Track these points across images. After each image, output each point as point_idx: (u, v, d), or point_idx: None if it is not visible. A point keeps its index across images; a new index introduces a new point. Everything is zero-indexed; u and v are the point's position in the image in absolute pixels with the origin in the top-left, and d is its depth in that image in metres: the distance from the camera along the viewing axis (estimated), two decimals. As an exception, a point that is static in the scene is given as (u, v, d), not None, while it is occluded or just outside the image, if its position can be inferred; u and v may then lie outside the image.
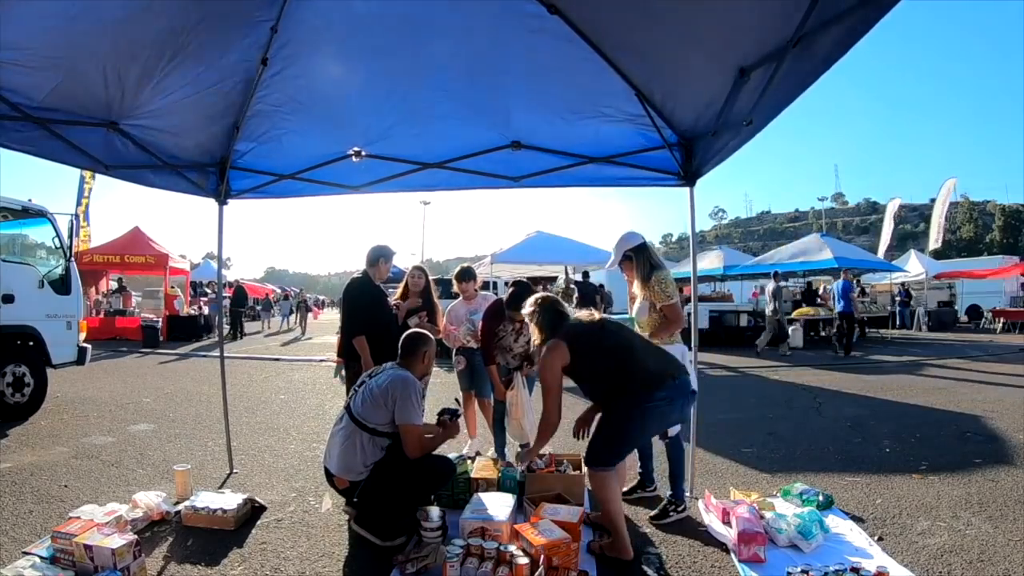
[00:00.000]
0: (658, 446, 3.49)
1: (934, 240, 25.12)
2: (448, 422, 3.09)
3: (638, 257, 3.43)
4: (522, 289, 3.84)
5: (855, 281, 13.77)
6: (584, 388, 2.86)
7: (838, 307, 11.68)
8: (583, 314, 2.93)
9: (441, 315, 4.40)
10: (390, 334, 3.68)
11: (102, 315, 15.33)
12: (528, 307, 2.96)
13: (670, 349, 3.33)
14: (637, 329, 3.37)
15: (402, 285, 4.41)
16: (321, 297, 38.61)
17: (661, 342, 3.24)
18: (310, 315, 23.09)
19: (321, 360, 11.01)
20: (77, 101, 2.81)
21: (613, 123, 3.43)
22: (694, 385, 3.35)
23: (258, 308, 23.05)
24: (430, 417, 3.17)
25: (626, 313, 3.66)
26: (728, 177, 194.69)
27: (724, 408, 6.20)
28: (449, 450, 3.71)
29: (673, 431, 3.34)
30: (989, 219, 60.33)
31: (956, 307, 21.23)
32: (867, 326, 15.89)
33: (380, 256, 4.08)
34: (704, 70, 2.66)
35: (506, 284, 4.14)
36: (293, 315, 22.21)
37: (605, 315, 2.96)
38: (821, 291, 16.65)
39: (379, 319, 3.89)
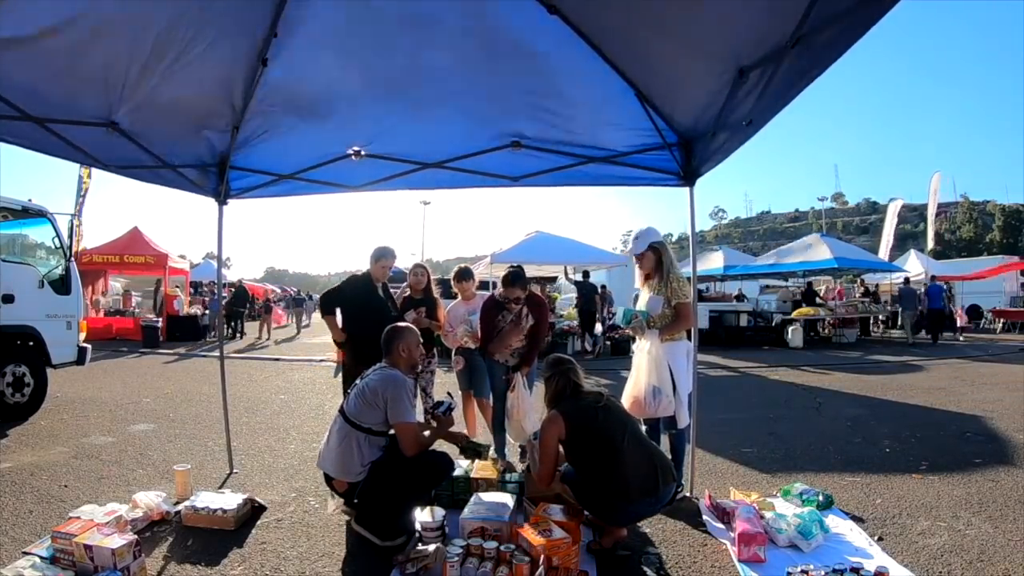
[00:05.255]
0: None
1: (930, 240, 25.12)
2: (442, 416, 3.09)
3: (658, 252, 3.50)
4: (519, 269, 3.93)
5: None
6: (569, 462, 2.88)
7: (932, 304, 14.13)
8: (591, 389, 2.93)
9: (442, 307, 4.43)
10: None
11: (101, 314, 15.31)
12: (548, 367, 2.96)
13: (676, 346, 3.38)
14: (648, 322, 3.40)
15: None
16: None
17: (670, 338, 3.37)
18: (271, 318, 18.05)
19: (321, 360, 11.00)
20: (77, 101, 2.81)
21: (613, 123, 3.43)
22: (691, 389, 3.39)
23: (258, 306, 22.70)
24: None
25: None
26: (728, 177, 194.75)
27: (724, 408, 6.20)
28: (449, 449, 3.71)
29: (682, 424, 3.36)
30: (989, 219, 60.21)
31: (954, 307, 21.23)
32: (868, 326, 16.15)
33: (380, 256, 4.13)
34: (704, 70, 2.66)
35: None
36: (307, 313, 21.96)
37: (611, 397, 2.93)
38: (823, 291, 16.72)
39: (367, 315, 3.89)
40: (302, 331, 19.58)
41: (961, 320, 17.00)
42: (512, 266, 4.11)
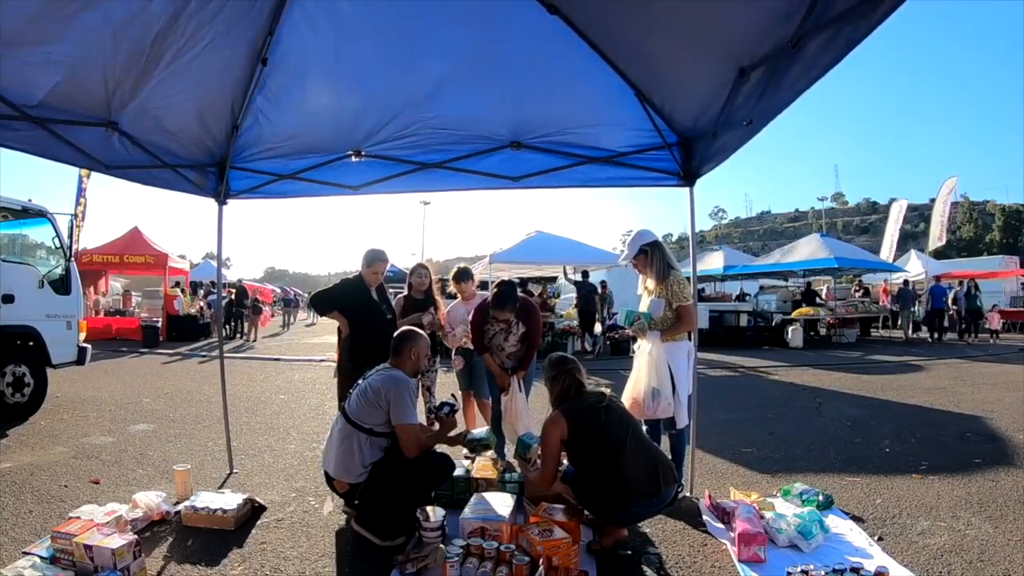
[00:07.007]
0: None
1: (936, 238, 25.06)
2: (444, 418, 3.09)
3: (654, 253, 3.50)
4: (508, 289, 3.82)
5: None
6: (571, 462, 2.88)
7: (935, 304, 14.73)
8: (593, 390, 2.92)
9: (443, 308, 4.42)
10: (385, 336, 3.63)
11: (101, 314, 15.31)
12: (552, 367, 2.94)
13: (677, 347, 3.38)
14: (650, 324, 3.40)
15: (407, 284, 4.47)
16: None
17: (671, 339, 3.37)
18: (259, 319, 17.36)
19: (321, 360, 11.00)
20: (77, 101, 2.81)
21: (613, 123, 3.43)
22: (690, 390, 3.39)
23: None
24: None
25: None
26: (728, 177, 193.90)
27: (724, 408, 6.20)
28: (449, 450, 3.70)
29: (681, 424, 3.36)
30: (989, 219, 60.31)
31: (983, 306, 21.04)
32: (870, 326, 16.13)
33: (372, 261, 3.97)
34: (703, 70, 2.66)
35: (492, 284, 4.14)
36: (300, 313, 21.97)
37: (613, 398, 2.92)
38: (824, 292, 16.71)
39: (363, 319, 3.86)
40: (304, 328, 19.85)
41: (993, 322, 15.64)
42: (502, 282, 3.94)
